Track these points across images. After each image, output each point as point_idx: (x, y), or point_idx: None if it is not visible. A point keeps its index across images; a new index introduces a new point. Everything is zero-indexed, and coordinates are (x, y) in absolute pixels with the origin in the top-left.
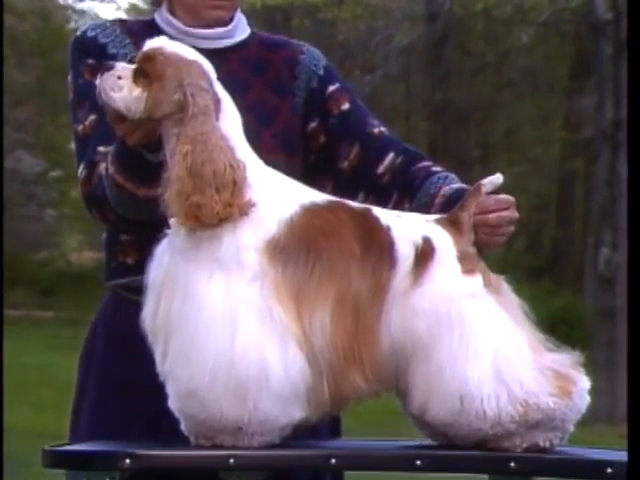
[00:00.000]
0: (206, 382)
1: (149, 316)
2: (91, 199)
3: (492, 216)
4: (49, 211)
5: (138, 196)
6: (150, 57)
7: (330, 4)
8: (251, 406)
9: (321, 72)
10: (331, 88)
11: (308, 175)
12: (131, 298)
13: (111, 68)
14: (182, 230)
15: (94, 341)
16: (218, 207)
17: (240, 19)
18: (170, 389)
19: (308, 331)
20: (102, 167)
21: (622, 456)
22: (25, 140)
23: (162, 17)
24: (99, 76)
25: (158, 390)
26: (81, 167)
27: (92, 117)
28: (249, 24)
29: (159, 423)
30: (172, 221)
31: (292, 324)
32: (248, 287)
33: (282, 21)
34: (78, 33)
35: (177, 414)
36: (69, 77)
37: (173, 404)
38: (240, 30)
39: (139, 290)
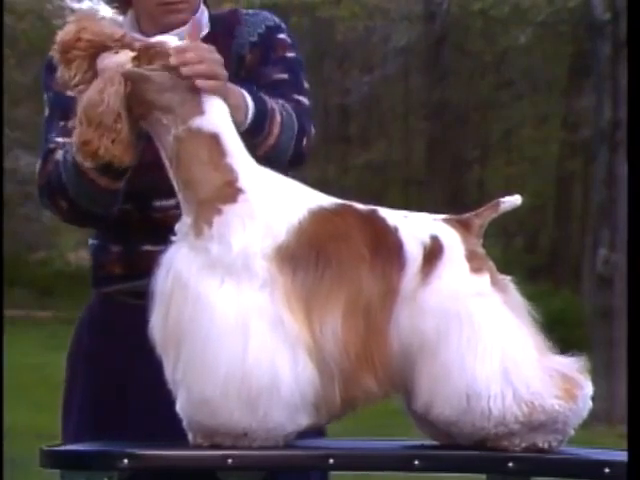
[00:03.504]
0: (219, 391)
1: (158, 324)
2: (44, 187)
3: None
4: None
5: (99, 185)
6: (149, 48)
7: (328, 3)
8: (261, 415)
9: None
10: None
11: None
12: (118, 299)
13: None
14: (190, 236)
15: (81, 340)
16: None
17: (202, 15)
18: (181, 396)
19: (319, 337)
20: (60, 153)
21: (620, 456)
22: (23, 140)
23: (128, 26)
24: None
25: (148, 389)
26: (39, 161)
27: (62, 124)
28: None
29: (150, 421)
30: (177, 227)
31: (303, 331)
32: (259, 294)
33: (280, 19)
34: (49, 55)
35: (184, 418)
36: (44, 98)
37: (182, 410)
38: (200, 27)
39: (125, 293)
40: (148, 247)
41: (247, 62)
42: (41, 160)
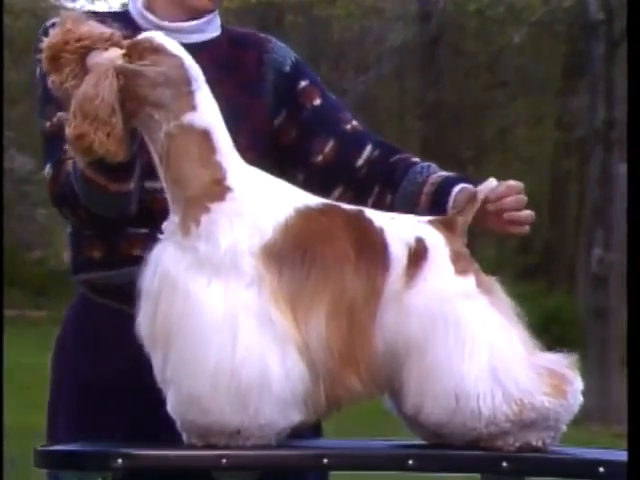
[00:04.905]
0: (208, 389)
1: (146, 322)
2: (59, 198)
3: (507, 200)
4: (41, 210)
5: (109, 190)
6: (137, 44)
7: (324, 2)
8: (252, 412)
9: (287, 69)
10: (302, 84)
11: (278, 168)
12: (97, 300)
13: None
14: (177, 235)
15: (65, 340)
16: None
17: (215, 16)
18: (171, 395)
19: (305, 336)
20: (69, 164)
21: (615, 455)
22: (19, 140)
23: (136, 9)
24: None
25: (133, 390)
26: (48, 166)
27: (59, 114)
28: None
29: (139, 422)
30: (164, 225)
31: (291, 328)
32: (246, 292)
33: (275, 18)
34: (47, 24)
35: (176, 418)
36: (37, 70)
37: (173, 409)
38: (212, 27)
39: (105, 291)
40: (132, 230)
41: (299, 89)
42: (51, 167)
